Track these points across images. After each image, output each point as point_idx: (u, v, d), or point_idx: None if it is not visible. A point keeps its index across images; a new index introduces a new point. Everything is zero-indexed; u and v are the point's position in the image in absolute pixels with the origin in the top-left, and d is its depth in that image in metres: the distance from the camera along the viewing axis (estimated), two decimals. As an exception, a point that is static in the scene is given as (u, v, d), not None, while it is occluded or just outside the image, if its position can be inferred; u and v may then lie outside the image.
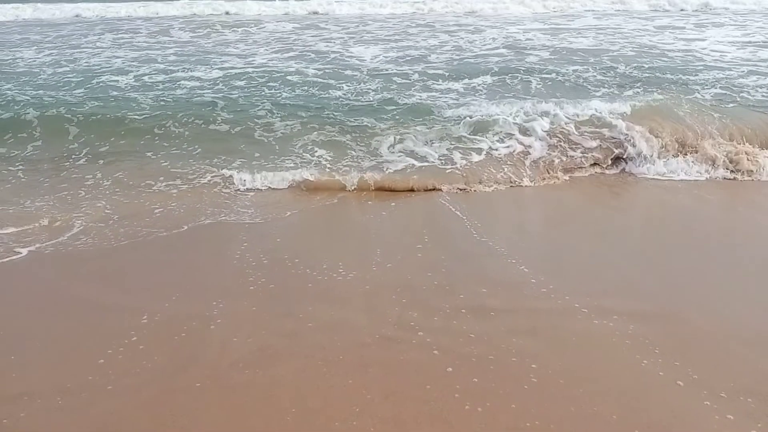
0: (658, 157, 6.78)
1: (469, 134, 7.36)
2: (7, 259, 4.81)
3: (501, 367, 3.36)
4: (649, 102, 8.13)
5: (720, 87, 9.54)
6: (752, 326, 3.76)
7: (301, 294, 4.21)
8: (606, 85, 9.95)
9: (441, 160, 6.88)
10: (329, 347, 3.56)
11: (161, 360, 3.46)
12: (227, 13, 26.19)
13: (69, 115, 8.38)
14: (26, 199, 6.05)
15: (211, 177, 6.54)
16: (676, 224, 5.57)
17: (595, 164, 6.88)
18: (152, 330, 3.77)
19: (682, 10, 22.94)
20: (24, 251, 4.92)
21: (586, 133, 7.13)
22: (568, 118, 7.45)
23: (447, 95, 9.46)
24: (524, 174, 6.64)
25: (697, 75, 10.40)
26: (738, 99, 8.89)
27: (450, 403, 3.10)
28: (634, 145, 6.86)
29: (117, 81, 10.99)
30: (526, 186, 6.50)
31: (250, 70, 11.77)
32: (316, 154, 7.10)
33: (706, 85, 9.65)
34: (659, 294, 4.17)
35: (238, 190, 6.24)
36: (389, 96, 9.36)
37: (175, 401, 3.14)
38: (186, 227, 5.41)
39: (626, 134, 6.97)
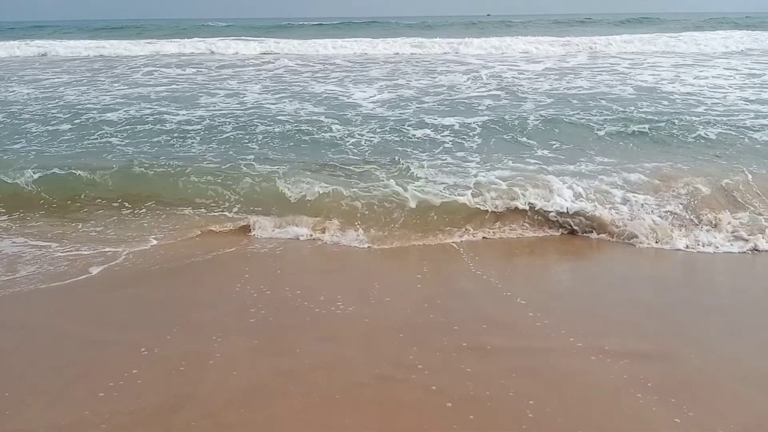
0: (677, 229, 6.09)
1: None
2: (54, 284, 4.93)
3: (498, 405, 3.34)
4: (661, 167, 7.54)
5: (724, 127, 9.51)
6: (750, 366, 3.75)
7: (299, 329, 4.21)
8: (608, 123, 9.90)
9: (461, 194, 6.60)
10: (326, 386, 3.54)
11: (157, 397, 3.43)
12: (230, 53, 26.55)
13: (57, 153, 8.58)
14: (77, 223, 6.36)
15: (226, 216, 6.55)
16: (677, 272, 5.61)
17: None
18: (152, 364, 3.76)
19: (679, 53, 23.35)
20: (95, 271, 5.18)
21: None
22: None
23: (445, 137, 9.51)
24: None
25: (700, 117, 10.30)
26: (747, 141, 8.84)
27: (447, 442, 3.08)
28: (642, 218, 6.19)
29: (107, 116, 11.15)
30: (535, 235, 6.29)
31: (246, 109, 11.95)
32: (326, 189, 6.75)
33: (715, 132, 9.26)
34: (657, 334, 4.17)
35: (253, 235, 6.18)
36: (385, 138, 9.38)
37: (170, 441, 3.11)
38: (190, 260, 5.51)
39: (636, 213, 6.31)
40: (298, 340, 4.06)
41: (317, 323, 4.30)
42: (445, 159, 8.09)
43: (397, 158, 7.96)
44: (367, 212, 6.43)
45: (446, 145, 8.94)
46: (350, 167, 7.72)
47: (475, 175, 7.13)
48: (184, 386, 3.53)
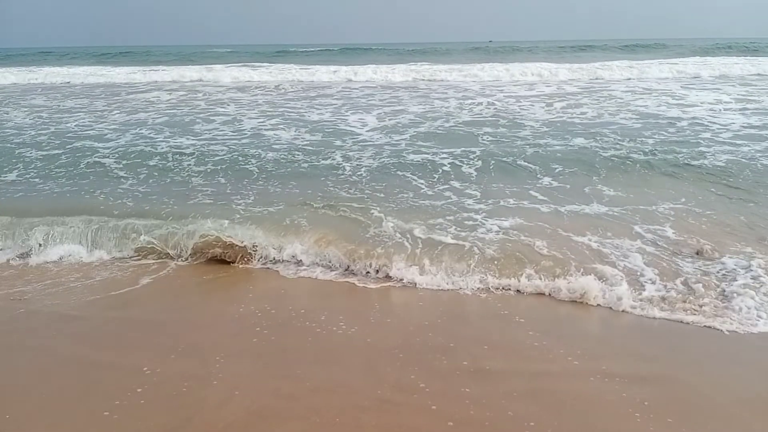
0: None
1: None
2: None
3: (498, 427, 3.36)
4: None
5: (733, 155, 9.42)
6: (748, 389, 3.77)
7: (300, 350, 4.25)
8: (613, 151, 9.78)
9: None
10: (326, 410, 3.55)
11: (157, 420, 3.45)
12: (231, 79, 26.72)
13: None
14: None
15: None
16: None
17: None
18: (154, 385, 3.79)
19: (681, 78, 23.52)
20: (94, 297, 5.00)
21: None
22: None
23: (443, 168, 9.50)
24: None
25: (707, 145, 10.16)
26: (760, 170, 8.57)
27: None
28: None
29: (106, 145, 11.28)
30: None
31: (245, 137, 12.04)
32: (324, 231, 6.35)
33: (724, 161, 9.12)
34: (654, 356, 4.19)
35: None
36: (384, 164, 9.38)
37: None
38: (194, 282, 5.62)
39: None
40: (299, 361, 4.09)
41: (318, 344, 4.33)
42: (448, 197, 7.74)
43: (392, 222, 6.70)
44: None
45: (445, 172, 8.95)
46: (350, 204, 7.39)
47: (487, 227, 6.50)
48: (185, 408, 3.55)
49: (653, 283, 5.23)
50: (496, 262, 5.60)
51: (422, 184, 8.37)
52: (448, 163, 9.41)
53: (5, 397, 3.75)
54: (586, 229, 6.41)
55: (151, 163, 9.84)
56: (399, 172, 9.00)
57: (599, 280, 5.20)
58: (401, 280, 5.44)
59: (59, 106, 17.89)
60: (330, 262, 5.83)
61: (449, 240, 6.14)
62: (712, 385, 3.79)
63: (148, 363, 4.04)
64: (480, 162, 9.38)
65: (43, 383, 3.89)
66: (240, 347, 4.29)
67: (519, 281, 5.29)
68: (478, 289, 5.26)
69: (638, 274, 5.40)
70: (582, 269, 5.40)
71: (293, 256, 5.95)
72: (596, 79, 23.91)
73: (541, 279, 5.31)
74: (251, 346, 4.31)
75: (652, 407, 3.50)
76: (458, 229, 6.46)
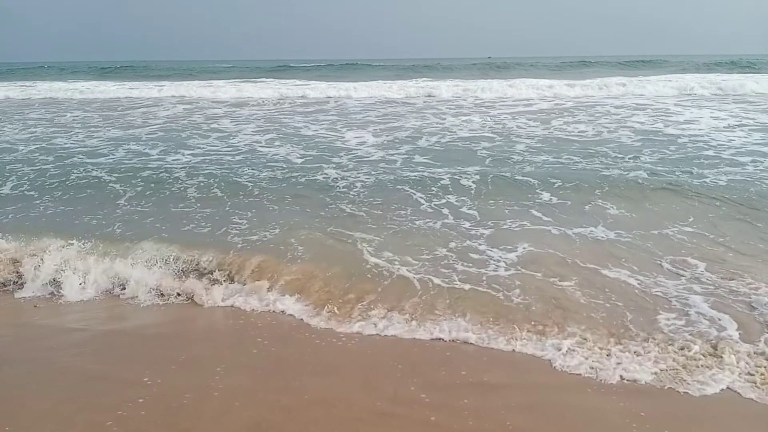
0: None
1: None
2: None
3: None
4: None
5: (738, 174, 9.27)
6: (745, 400, 3.78)
7: (299, 361, 4.27)
8: (613, 169, 9.75)
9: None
10: (324, 422, 3.56)
11: (158, 431, 3.47)
12: (230, 95, 26.78)
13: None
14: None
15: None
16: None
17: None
18: (155, 396, 3.80)
19: (679, 95, 23.61)
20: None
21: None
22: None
23: (439, 186, 9.39)
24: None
25: (710, 164, 10.05)
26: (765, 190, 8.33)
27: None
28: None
29: (100, 161, 11.25)
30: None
31: (241, 152, 12.04)
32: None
33: (727, 180, 8.91)
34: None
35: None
36: (381, 183, 9.24)
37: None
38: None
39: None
40: (297, 373, 4.11)
41: (318, 356, 4.35)
42: (446, 215, 7.52)
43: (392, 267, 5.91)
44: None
45: (443, 187, 8.91)
46: (348, 232, 6.93)
47: (496, 262, 5.94)
48: (186, 420, 3.57)
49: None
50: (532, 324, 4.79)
51: (421, 198, 8.32)
52: (448, 179, 9.34)
53: (6, 409, 3.76)
54: (607, 260, 5.91)
55: (145, 179, 9.69)
56: (398, 187, 8.97)
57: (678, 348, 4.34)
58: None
59: (54, 120, 17.94)
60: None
61: (459, 284, 5.44)
62: (708, 396, 3.80)
63: (149, 374, 4.06)
64: (478, 177, 9.35)
65: (44, 394, 3.91)
66: (240, 359, 4.31)
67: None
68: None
69: (717, 326, 4.63)
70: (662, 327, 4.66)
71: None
72: (595, 95, 23.96)
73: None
74: (251, 357, 4.34)
75: (648, 418, 3.53)
76: (465, 264, 5.86)
